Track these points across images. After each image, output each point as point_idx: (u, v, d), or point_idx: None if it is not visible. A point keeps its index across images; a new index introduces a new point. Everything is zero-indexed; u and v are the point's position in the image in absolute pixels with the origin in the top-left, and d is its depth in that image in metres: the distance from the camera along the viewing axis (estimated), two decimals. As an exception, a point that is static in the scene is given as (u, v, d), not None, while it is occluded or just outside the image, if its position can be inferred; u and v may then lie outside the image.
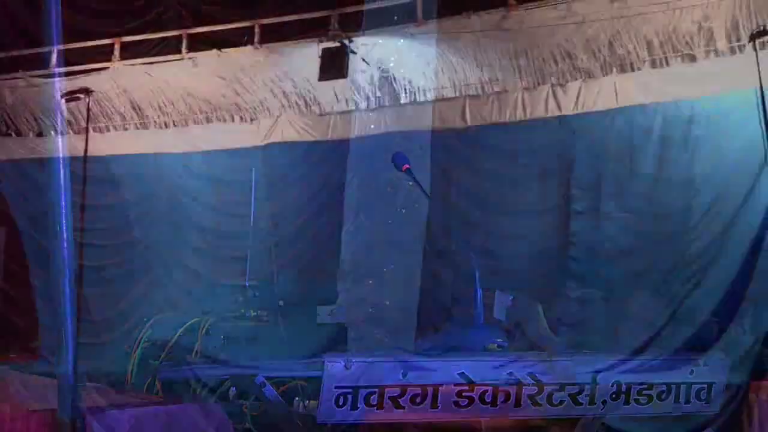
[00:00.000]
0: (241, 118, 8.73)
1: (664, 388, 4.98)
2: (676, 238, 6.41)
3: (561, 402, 4.83)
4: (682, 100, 6.73)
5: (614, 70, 7.13)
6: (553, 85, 7.44)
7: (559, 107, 7.44)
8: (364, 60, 7.92)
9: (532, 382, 4.81)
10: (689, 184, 6.48)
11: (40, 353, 8.04)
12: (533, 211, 7.40)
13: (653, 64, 6.96)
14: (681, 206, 6.50)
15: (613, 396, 4.90)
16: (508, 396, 4.78)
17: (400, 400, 4.76)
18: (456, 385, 4.79)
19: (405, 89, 8.06)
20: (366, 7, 7.29)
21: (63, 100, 7.67)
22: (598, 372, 4.93)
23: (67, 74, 8.45)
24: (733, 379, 5.07)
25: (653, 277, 6.38)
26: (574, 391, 4.85)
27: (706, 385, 5.02)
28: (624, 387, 4.93)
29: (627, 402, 4.94)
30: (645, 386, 4.95)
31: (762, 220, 5.65)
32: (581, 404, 4.85)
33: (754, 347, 5.20)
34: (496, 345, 5.40)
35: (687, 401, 5.00)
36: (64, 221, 5.91)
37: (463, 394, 4.79)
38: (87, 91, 6.64)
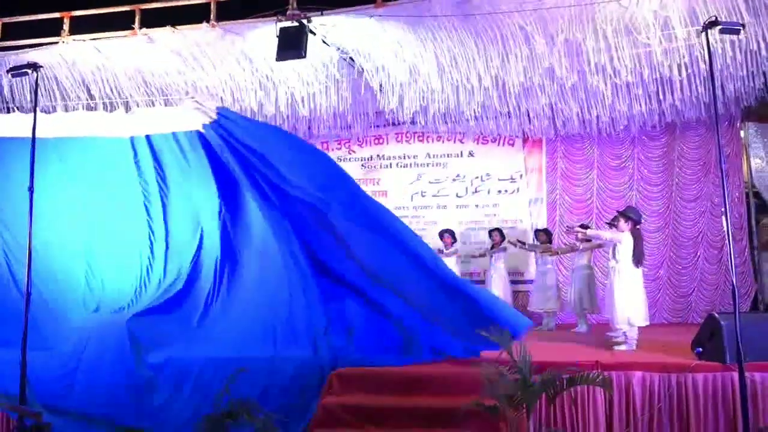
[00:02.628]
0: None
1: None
2: None
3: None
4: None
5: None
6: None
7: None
8: (324, 41, 7.88)
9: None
10: None
11: None
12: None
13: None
14: None
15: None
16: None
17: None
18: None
19: (364, 71, 8.07)
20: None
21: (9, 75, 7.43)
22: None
23: (14, 48, 8.22)
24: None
25: None
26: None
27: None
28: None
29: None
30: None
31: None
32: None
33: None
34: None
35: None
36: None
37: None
38: (35, 67, 6.40)
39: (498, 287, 9.51)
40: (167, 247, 6.73)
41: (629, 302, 6.61)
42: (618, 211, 7.22)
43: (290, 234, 6.25)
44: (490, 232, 9.84)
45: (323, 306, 6.17)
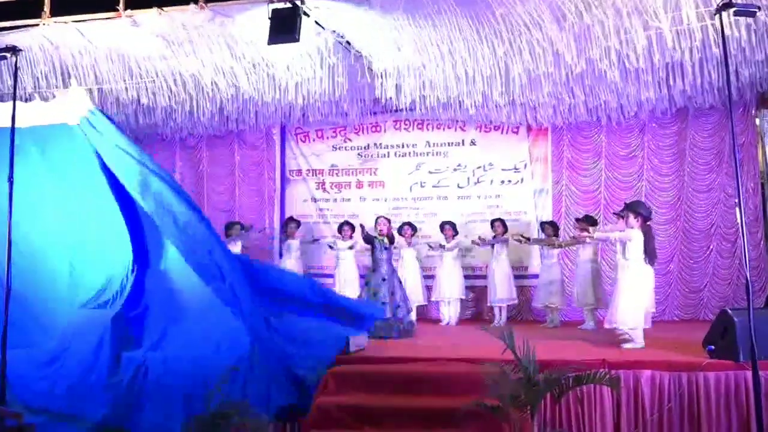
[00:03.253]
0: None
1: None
2: None
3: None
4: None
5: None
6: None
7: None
8: (317, 23, 7.86)
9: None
10: None
11: None
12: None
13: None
14: None
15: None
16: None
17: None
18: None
19: (361, 56, 8.06)
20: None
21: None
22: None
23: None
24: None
25: None
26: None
27: None
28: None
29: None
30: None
31: None
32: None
33: None
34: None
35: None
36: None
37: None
38: (14, 50, 6.36)
39: (501, 282, 9.54)
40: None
41: (633, 303, 6.63)
42: (626, 203, 7.23)
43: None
44: (492, 222, 9.86)
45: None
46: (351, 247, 10.06)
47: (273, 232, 11.49)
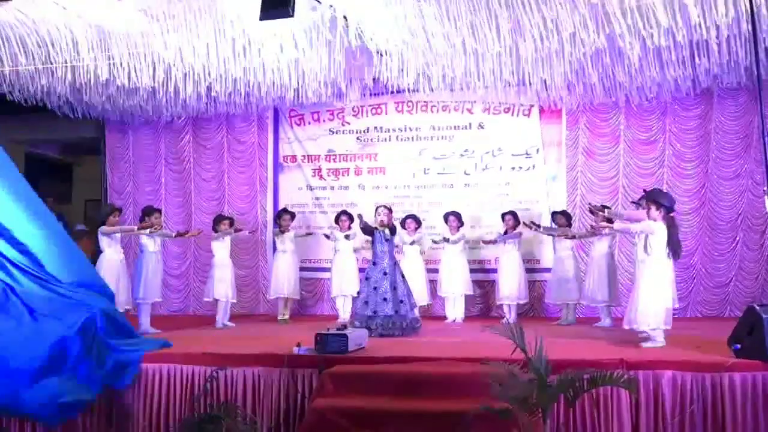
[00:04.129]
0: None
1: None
2: None
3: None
4: None
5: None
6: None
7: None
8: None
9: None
10: None
11: None
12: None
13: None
14: None
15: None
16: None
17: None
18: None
19: (361, 32, 8.02)
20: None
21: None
22: None
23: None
24: None
25: None
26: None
27: None
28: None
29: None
30: None
31: None
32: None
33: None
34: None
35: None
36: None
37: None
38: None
39: (511, 276, 9.55)
40: None
41: (654, 302, 6.62)
42: (645, 191, 7.21)
43: None
44: (503, 215, 9.84)
45: None
46: (348, 237, 10.05)
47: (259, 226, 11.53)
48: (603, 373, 4.87)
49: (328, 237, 10.40)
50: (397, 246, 9.28)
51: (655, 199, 6.87)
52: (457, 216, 9.93)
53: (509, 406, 4.68)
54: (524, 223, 9.65)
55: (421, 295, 9.65)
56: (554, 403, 4.92)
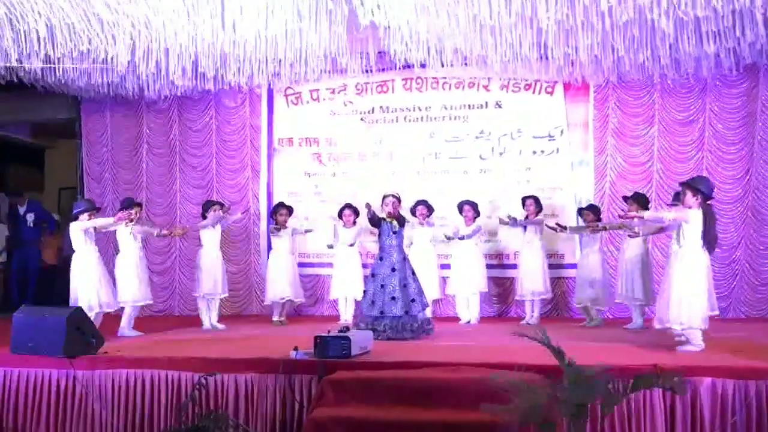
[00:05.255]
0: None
1: None
2: None
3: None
4: None
5: None
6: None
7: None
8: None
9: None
10: None
11: None
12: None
13: None
14: None
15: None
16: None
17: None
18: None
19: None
20: None
21: None
22: None
23: None
24: None
25: None
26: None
27: None
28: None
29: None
30: None
31: None
32: None
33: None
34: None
35: None
36: None
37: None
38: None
39: (534, 270, 9.54)
40: None
41: (695, 296, 6.60)
42: (681, 183, 7.19)
43: None
44: (524, 199, 9.84)
45: None
46: (352, 245, 10.14)
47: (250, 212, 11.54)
48: (646, 375, 4.85)
49: (331, 247, 10.46)
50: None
51: (691, 183, 6.85)
52: (473, 205, 9.91)
53: (531, 418, 4.67)
54: (548, 226, 9.62)
55: (431, 289, 9.59)
56: (583, 414, 4.90)
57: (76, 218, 8.66)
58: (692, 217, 6.68)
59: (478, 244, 10.00)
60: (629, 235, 8.77)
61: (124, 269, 8.97)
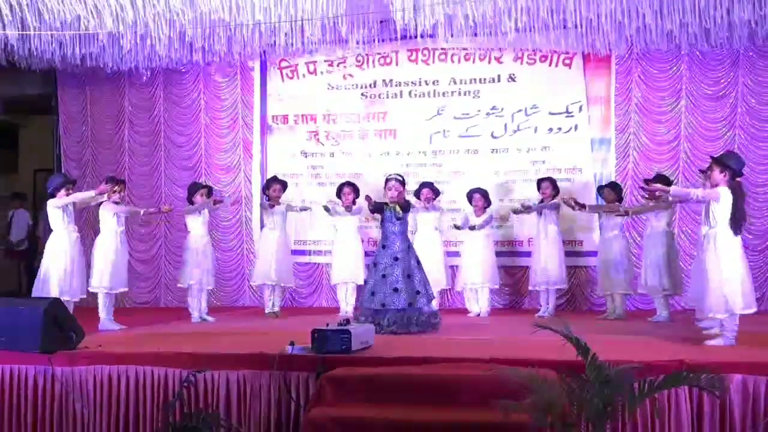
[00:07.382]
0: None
1: None
2: None
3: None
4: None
5: None
6: None
7: None
8: None
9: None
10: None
11: None
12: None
13: None
14: None
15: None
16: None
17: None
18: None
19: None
20: None
21: None
22: None
23: None
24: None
25: None
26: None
27: None
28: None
29: None
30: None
31: None
32: None
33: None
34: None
35: None
36: None
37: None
38: None
39: (550, 259, 9.54)
40: None
41: (728, 281, 6.61)
42: (712, 157, 7.19)
43: None
44: (539, 181, 9.84)
45: None
46: (348, 208, 9.98)
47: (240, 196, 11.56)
48: (675, 374, 4.86)
49: (327, 210, 10.21)
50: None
51: (720, 159, 6.85)
52: (484, 194, 9.89)
53: (548, 417, 4.68)
54: (565, 202, 9.58)
55: (437, 278, 9.57)
56: (606, 413, 4.91)
57: (52, 196, 8.54)
58: (722, 195, 6.67)
59: (489, 235, 9.98)
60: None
61: (102, 253, 8.91)
